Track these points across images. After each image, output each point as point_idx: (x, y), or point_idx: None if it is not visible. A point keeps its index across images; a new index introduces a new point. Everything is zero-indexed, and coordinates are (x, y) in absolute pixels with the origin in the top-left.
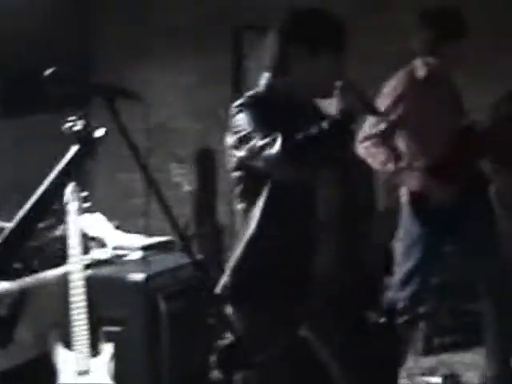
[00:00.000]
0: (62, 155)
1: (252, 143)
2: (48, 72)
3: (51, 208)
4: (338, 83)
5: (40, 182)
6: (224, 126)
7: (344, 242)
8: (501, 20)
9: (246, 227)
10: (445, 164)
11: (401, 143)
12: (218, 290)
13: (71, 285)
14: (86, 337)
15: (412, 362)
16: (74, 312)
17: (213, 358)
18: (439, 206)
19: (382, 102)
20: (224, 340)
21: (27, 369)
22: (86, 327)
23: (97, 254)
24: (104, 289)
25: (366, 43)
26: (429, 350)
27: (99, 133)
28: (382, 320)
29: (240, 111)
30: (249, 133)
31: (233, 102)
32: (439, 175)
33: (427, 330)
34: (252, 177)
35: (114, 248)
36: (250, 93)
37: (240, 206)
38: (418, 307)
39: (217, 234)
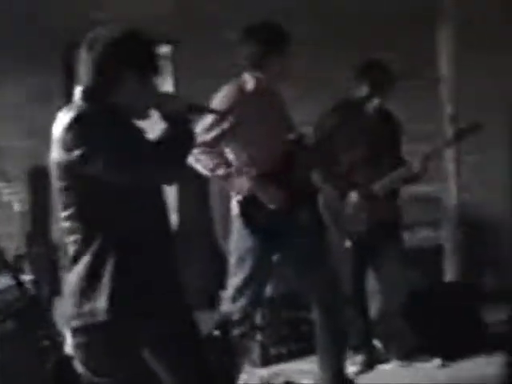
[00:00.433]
0: None
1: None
2: None
3: None
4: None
5: None
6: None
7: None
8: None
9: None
10: (273, 173)
11: (229, 153)
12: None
13: None
14: None
15: (247, 374)
16: None
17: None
18: (269, 217)
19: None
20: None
21: None
22: None
23: None
24: None
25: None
26: (266, 361)
27: None
28: (216, 332)
29: (72, 128)
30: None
31: None
32: (268, 182)
33: (264, 340)
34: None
35: None
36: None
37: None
38: (253, 318)
39: (51, 253)
